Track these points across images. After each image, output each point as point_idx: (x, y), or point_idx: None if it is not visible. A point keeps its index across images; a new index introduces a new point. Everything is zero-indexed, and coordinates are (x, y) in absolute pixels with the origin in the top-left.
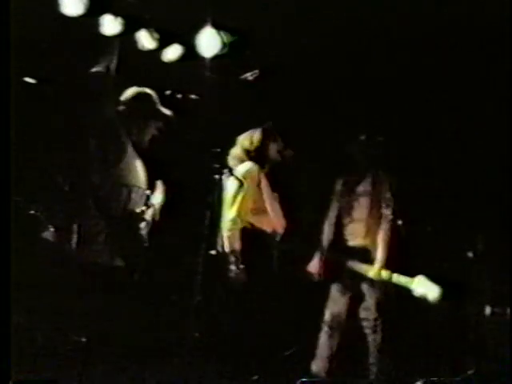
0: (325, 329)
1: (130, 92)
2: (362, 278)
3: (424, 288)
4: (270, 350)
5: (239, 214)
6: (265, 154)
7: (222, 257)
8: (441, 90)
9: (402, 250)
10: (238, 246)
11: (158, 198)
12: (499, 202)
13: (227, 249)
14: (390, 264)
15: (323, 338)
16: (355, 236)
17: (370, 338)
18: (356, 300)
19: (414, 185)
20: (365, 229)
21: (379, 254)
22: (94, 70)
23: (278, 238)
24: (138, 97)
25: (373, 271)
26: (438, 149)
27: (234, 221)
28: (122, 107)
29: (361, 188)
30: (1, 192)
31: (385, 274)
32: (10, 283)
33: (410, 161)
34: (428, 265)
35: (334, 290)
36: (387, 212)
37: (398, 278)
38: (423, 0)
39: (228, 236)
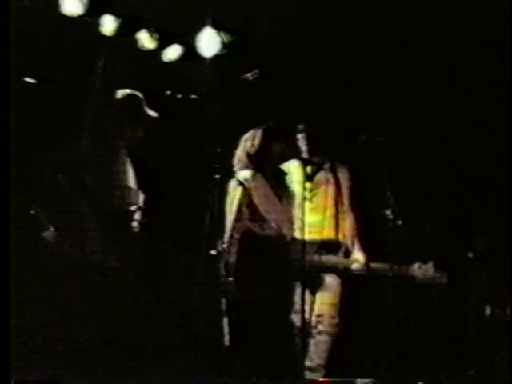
0: (294, 331)
1: (120, 93)
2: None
3: (425, 272)
4: (269, 350)
5: (238, 221)
6: (266, 156)
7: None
8: (441, 90)
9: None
10: (233, 259)
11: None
12: (499, 202)
13: (223, 260)
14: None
15: (297, 340)
16: (320, 228)
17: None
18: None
19: (413, 185)
20: (331, 220)
21: (357, 246)
22: (93, 70)
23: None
24: (126, 99)
25: (358, 263)
26: (438, 149)
27: (231, 232)
28: (111, 109)
29: (320, 176)
30: (1, 192)
31: (375, 264)
32: (10, 283)
33: (410, 161)
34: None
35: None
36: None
37: (393, 268)
38: (423, 0)
39: (225, 248)
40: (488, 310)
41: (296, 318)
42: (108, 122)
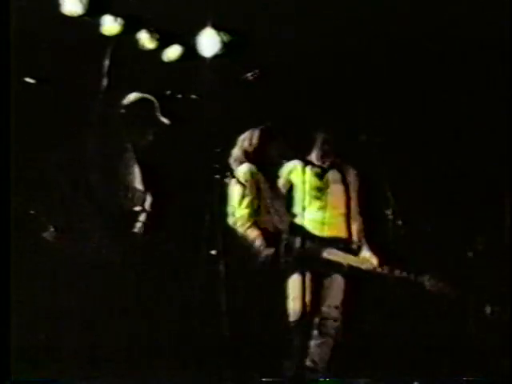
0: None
1: (132, 97)
2: (338, 269)
3: (435, 284)
4: (269, 351)
5: (246, 213)
6: (264, 155)
7: (222, 255)
8: (441, 90)
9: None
10: (257, 232)
11: (148, 202)
12: (499, 202)
13: (250, 238)
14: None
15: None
16: (330, 224)
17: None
18: (320, 295)
19: (413, 185)
20: (342, 217)
21: (367, 246)
22: (93, 70)
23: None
24: (139, 102)
25: (369, 264)
26: (438, 149)
27: (244, 216)
28: (122, 110)
29: (330, 175)
30: (1, 192)
31: (386, 269)
32: (10, 283)
33: (410, 161)
34: (428, 265)
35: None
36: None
37: (402, 274)
38: (423, 0)
39: (245, 230)
40: (488, 310)
41: (297, 317)
42: (112, 123)
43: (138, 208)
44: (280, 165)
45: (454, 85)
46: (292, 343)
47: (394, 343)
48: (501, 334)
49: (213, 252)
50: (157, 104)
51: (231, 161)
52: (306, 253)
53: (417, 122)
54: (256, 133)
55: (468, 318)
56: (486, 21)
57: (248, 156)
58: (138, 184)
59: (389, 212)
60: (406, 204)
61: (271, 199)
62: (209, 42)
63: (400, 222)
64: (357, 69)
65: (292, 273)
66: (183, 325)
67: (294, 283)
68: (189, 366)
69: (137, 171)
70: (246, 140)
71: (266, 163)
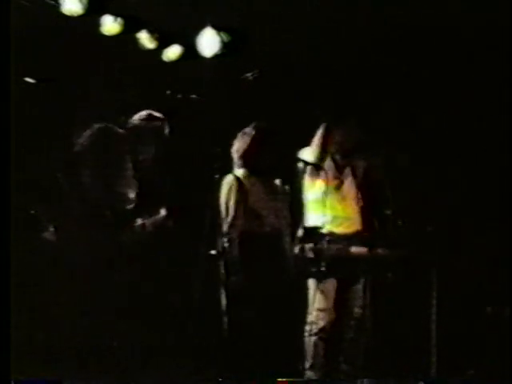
0: (311, 327)
1: (141, 115)
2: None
3: None
4: (269, 351)
5: (236, 218)
6: (258, 156)
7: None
8: (441, 90)
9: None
10: (236, 252)
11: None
12: (499, 202)
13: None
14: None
15: (310, 337)
16: (348, 219)
17: (356, 336)
18: (346, 293)
19: (414, 185)
20: (359, 212)
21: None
22: (93, 70)
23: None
24: (149, 119)
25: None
26: (439, 149)
27: (232, 226)
28: (131, 124)
29: (348, 169)
30: (1, 192)
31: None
32: (10, 283)
33: (410, 161)
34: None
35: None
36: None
37: None
38: (424, 1)
39: (225, 248)
40: (488, 310)
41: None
42: (112, 123)
43: (132, 206)
44: (275, 166)
45: (455, 85)
46: (293, 343)
47: (394, 344)
48: (501, 334)
49: (213, 252)
50: (165, 120)
51: (232, 162)
52: (330, 251)
53: (417, 122)
54: (248, 133)
55: (468, 318)
56: (486, 21)
57: (241, 158)
58: (134, 189)
59: (389, 212)
60: (406, 204)
61: (266, 202)
62: (209, 42)
63: (400, 222)
64: (356, 68)
65: (315, 276)
66: (183, 325)
67: (319, 290)
68: (188, 365)
69: (133, 173)
70: (239, 142)
71: (259, 164)
